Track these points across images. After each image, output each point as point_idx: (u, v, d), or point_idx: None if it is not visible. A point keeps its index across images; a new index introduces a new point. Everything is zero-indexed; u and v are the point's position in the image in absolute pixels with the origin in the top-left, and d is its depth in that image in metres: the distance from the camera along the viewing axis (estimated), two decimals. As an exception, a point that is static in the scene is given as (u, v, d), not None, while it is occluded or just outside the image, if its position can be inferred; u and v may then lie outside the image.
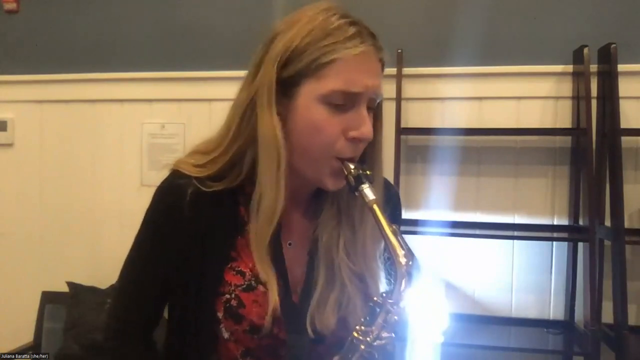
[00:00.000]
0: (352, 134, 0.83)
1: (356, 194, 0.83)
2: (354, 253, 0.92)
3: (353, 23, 0.84)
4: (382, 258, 0.94)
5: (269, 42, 0.86)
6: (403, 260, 0.77)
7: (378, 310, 0.79)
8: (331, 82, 0.82)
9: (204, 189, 0.89)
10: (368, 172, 0.84)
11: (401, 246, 0.77)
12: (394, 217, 0.99)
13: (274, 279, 0.88)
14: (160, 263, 0.94)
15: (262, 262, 0.88)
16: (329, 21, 0.83)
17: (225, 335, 0.90)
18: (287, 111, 0.85)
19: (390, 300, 0.79)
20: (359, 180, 0.82)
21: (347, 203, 0.93)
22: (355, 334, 0.80)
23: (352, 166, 0.84)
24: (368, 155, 0.90)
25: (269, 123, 0.84)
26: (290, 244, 0.95)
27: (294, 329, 0.89)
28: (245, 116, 0.87)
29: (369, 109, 0.85)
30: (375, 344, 0.79)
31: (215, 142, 0.92)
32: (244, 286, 0.89)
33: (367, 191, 0.81)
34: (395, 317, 0.78)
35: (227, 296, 0.89)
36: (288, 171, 0.86)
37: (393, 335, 0.79)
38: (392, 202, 0.99)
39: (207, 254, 0.90)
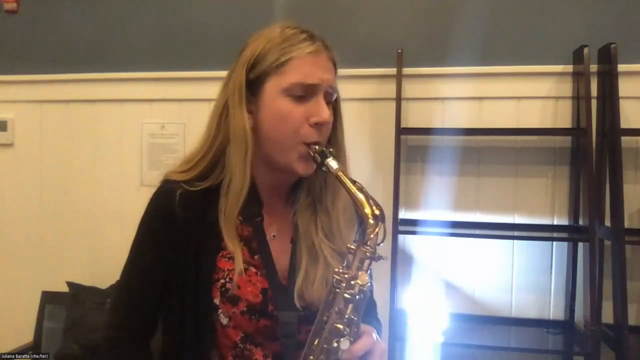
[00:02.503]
0: (314, 119, 0.95)
1: (323, 168, 0.94)
2: (330, 234, 1.03)
3: (304, 31, 0.99)
4: (355, 237, 1.04)
5: (239, 54, 1.01)
6: (367, 208, 0.89)
7: (353, 255, 0.91)
8: (291, 76, 0.95)
9: (191, 189, 0.98)
10: (331, 150, 0.96)
11: (366, 198, 0.90)
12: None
13: (239, 249, 0.97)
14: (158, 266, 0.98)
15: (230, 235, 0.97)
16: (285, 31, 0.98)
17: (224, 321, 0.96)
18: (256, 108, 0.98)
19: (363, 244, 0.90)
20: (324, 155, 0.94)
21: (319, 193, 1.05)
22: (336, 277, 0.90)
23: (316, 147, 0.96)
24: (332, 144, 1.01)
25: (239, 118, 0.96)
26: (274, 236, 1.03)
27: (285, 306, 0.97)
28: (222, 117, 1.00)
29: (328, 103, 0.98)
30: (352, 282, 0.88)
31: (198, 147, 1.03)
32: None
33: (332, 163, 0.93)
34: (368, 254, 0.89)
35: (222, 281, 0.96)
36: (265, 166, 0.99)
37: (369, 274, 0.90)
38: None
39: (200, 247, 0.97)
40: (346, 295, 0.88)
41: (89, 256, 2.57)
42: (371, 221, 0.89)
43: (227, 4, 2.46)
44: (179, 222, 0.96)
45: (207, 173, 1.00)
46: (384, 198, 2.01)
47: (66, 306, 2.40)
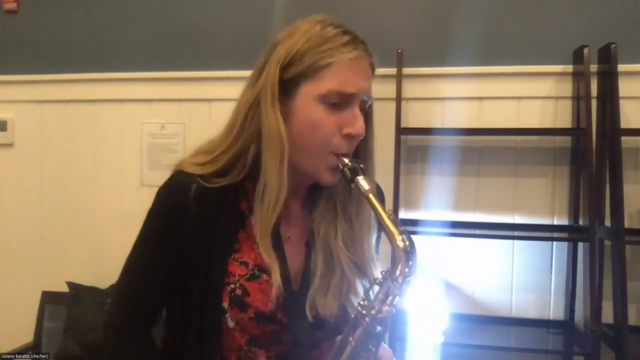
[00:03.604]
0: (347, 130, 0.90)
1: (352, 185, 0.89)
2: (351, 243, 0.98)
3: (347, 32, 0.93)
4: (375, 248, 1.02)
5: (271, 48, 0.94)
6: (400, 241, 0.83)
7: (379, 287, 0.86)
8: (328, 83, 0.89)
9: (208, 185, 0.93)
10: (362, 165, 0.91)
11: (397, 229, 0.84)
12: None
13: (276, 262, 0.93)
14: (165, 260, 0.96)
15: (266, 246, 0.93)
16: (326, 30, 0.92)
17: (231, 324, 0.93)
18: (287, 110, 0.91)
19: (390, 277, 0.85)
20: (355, 172, 0.89)
21: (342, 198, 0.99)
22: (359, 308, 0.86)
23: (347, 160, 0.90)
24: (361, 152, 0.97)
25: (273, 119, 0.90)
26: (288, 237, 1.00)
27: (295, 314, 0.95)
28: (249, 114, 0.93)
29: (360, 110, 0.92)
30: (378, 316, 0.84)
31: (218, 141, 0.97)
32: (248, 276, 0.94)
33: (363, 182, 0.88)
34: (397, 292, 0.84)
35: (232, 286, 0.93)
36: (288, 165, 0.92)
37: (393, 309, 0.85)
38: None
39: (211, 247, 0.94)
40: (368, 327, 0.85)
41: (89, 256, 2.57)
42: (402, 254, 0.83)
43: (227, 4, 2.46)
44: (192, 220, 0.92)
45: (226, 170, 0.94)
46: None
47: (66, 306, 2.40)
